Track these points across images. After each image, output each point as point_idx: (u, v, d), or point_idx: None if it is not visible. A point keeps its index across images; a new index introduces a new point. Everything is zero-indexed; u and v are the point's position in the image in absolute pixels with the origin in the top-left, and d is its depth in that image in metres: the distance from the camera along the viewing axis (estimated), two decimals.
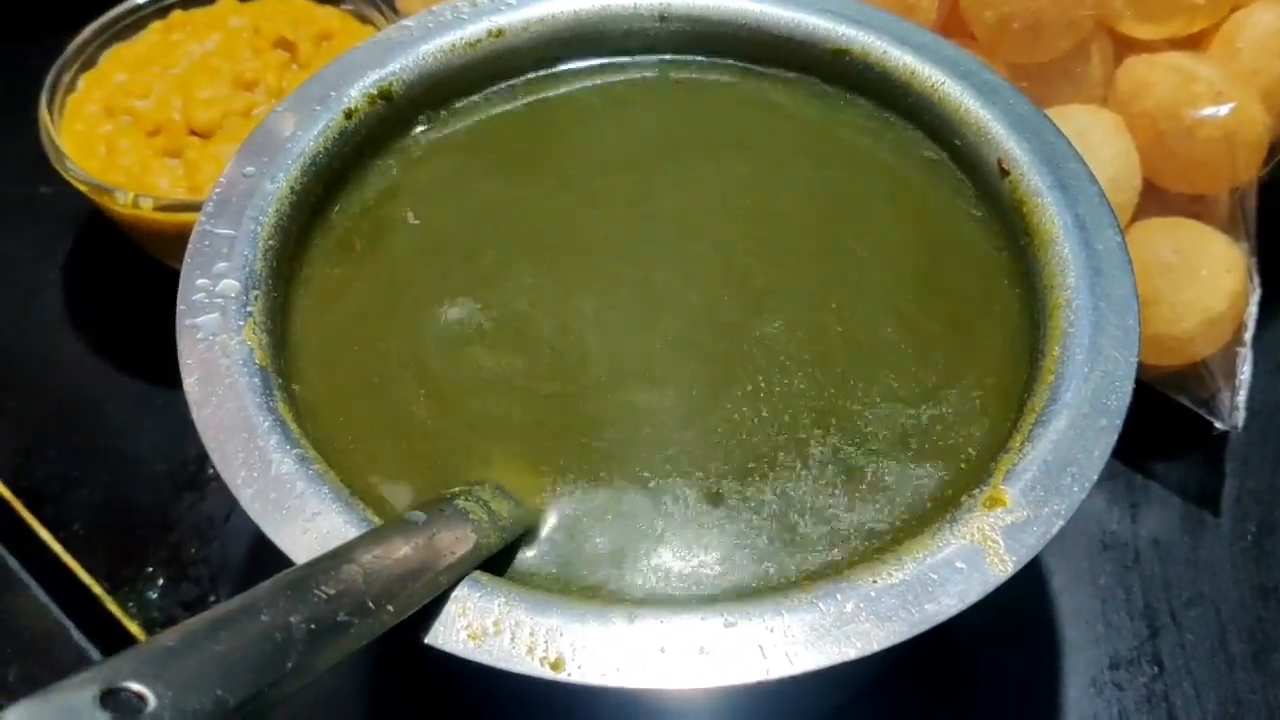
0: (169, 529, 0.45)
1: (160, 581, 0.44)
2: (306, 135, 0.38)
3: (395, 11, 0.56)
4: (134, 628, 0.43)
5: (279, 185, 0.37)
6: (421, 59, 0.41)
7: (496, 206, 0.39)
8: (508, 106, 0.42)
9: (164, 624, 0.43)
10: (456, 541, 0.29)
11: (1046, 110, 0.39)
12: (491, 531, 0.30)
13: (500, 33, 0.41)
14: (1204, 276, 0.43)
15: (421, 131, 0.41)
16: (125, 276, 0.53)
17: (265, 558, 0.43)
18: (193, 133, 0.50)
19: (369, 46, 0.41)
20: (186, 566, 0.44)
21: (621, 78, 0.42)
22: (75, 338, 0.52)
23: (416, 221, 0.39)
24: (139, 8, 0.56)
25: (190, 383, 0.32)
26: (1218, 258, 0.44)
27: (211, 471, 0.31)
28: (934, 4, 0.46)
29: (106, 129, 0.51)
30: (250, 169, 0.37)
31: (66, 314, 0.53)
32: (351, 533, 0.30)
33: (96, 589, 0.44)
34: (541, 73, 0.42)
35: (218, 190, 0.37)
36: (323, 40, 0.54)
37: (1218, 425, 0.45)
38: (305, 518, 0.30)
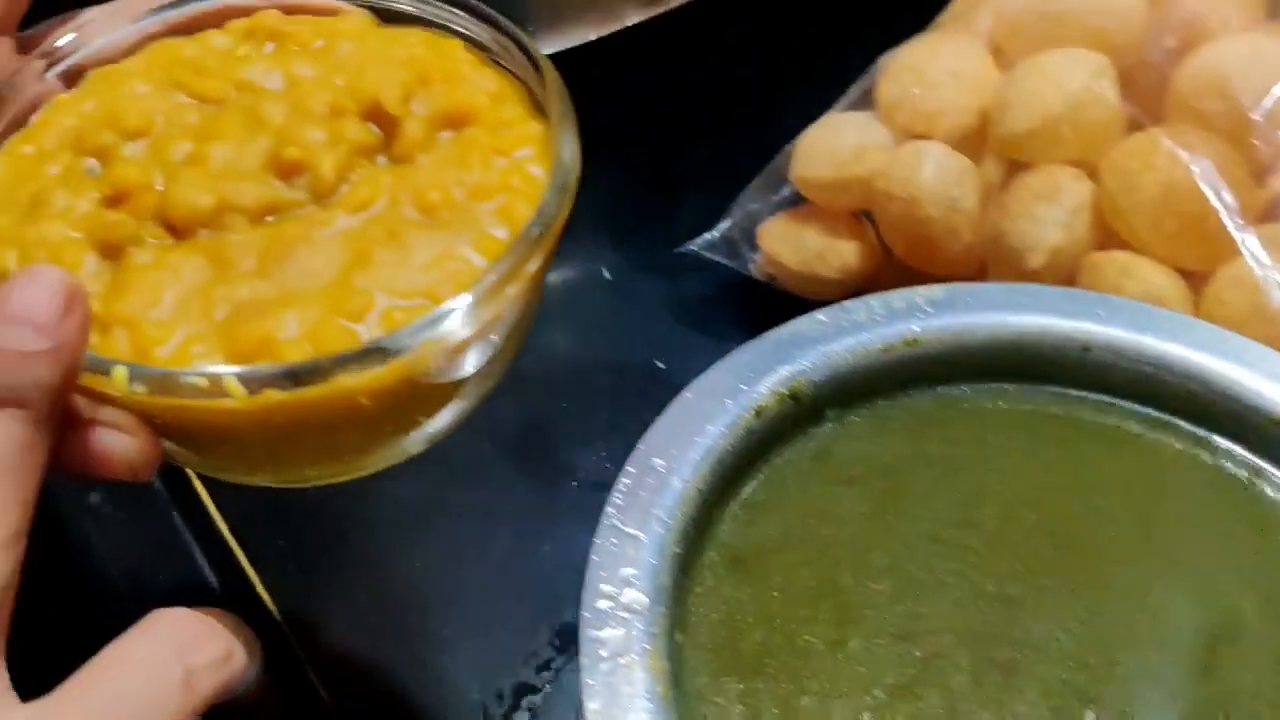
0: None
1: None
2: (715, 429, 0.37)
3: (753, 248, 0.55)
4: None
5: (687, 484, 0.36)
6: (832, 358, 0.39)
7: (901, 534, 0.37)
8: (912, 420, 0.40)
9: None
10: None
11: None
12: None
13: (915, 342, 0.40)
14: None
15: (819, 434, 0.40)
16: None
17: None
18: (165, 224, 0.33)
19: (780, 338, 0.40)
20: None
21: (1029, 407, 0.40)
22: None
23: (806, 541, 0.37)
24: None
25: (593, 709, 0.31)
26: None
27: None
28: None
29: (53, 170, 0.35)
30: (659, 461, 0.36)
31: None
32: None
33: None
34: (949, 389, 0.41)
35: (626, 480, 0.36)
36: (450, 125, 0.36)
37: None
38: None
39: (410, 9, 0.39)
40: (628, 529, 0.35)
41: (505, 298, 0.31)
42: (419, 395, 0.33)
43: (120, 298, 0.32)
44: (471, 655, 0.48)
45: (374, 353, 0.30)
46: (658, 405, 0.55)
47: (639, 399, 0.55)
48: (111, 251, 0.33)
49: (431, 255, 0.32)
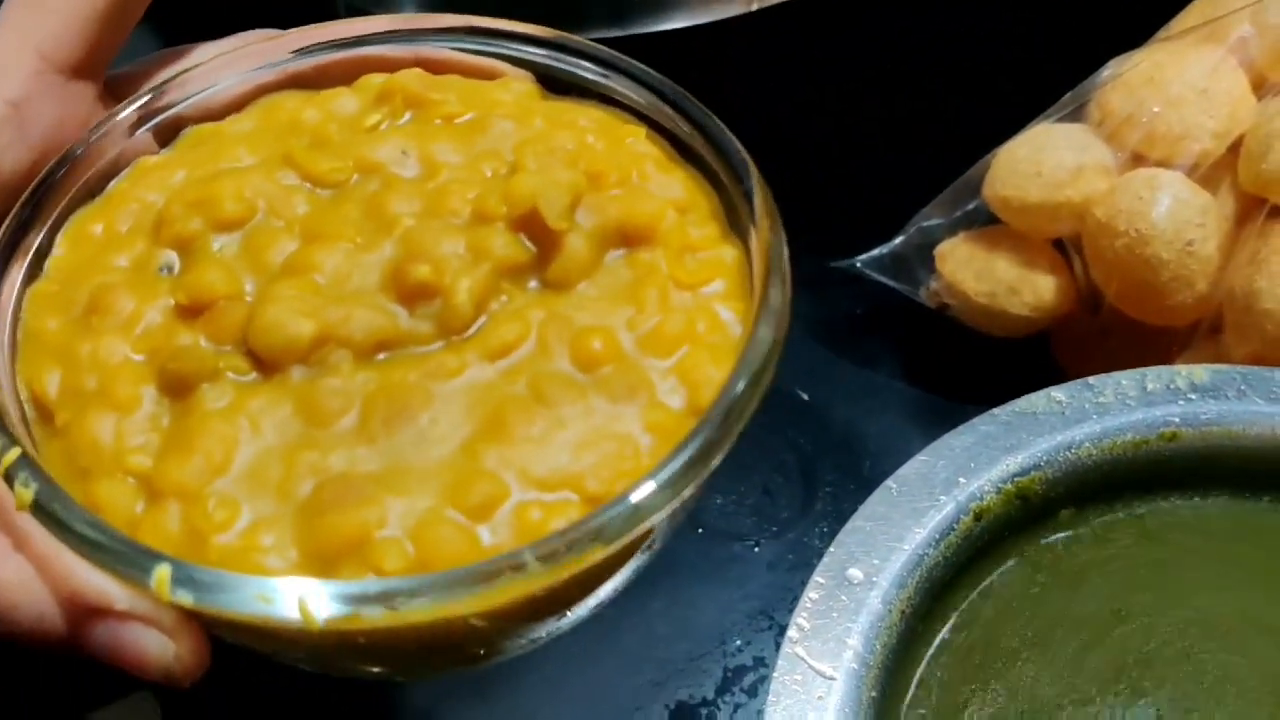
0: None
1: None
2: (925, 534, 0.30)
3: (929, 271, 0.47)
4: None
5: (890, 609, 0.28)
6: (1071, 450, 0.32)
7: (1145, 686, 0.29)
8: (1168, 534, 0.32)
9: None
10: None
11: None
12: None
13: (1174, 436, 0.32)
14: None
15: (1050, 546, 0.32)
16: None
17: None
18: (250, 352, 0.26)
19: (1008, 420, 0.32)
20: None
21: None
22: None
23: (1029, 688, 0.29)
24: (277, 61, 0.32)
25: None
26: None
27: None
28: None
29: (120, 262, 0.28)
30: (856, 572, 0.29)
31: None
32: None
33: None
34: (1215, 498, 0.33)
35: (814, 594, 0.28)
36: (622, 243, 0.28)
37: None
38: None
39: (586, 76, 0.31)
40: (815, 663, 0.27)
41: (679, 500, 0.23)
42: (549, 605, 0.25)
43: (179, 456, 0.24)
44: None
45: (496, 576, 0.22)
46: (796, 444, 0.48)
47: (776, 435, 0.48)
48: (178, 387, 0.25)
49: (586, 430, 0.25)
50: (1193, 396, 0.32)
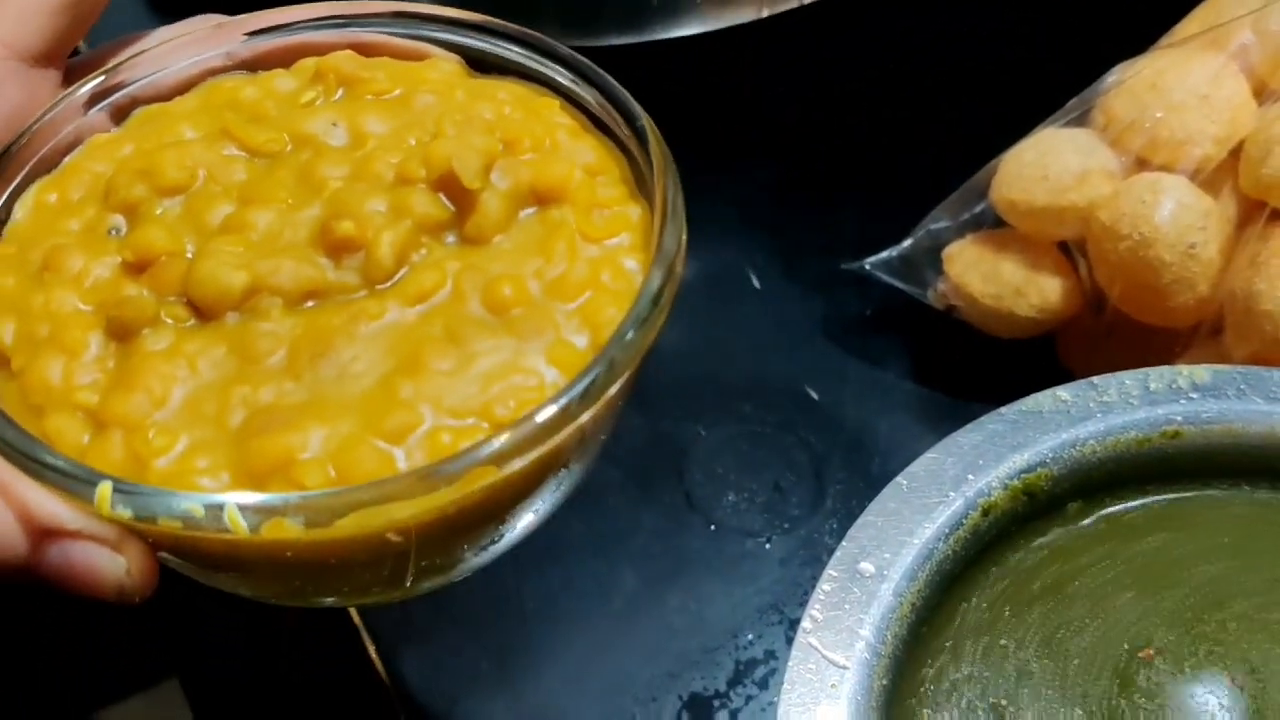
0: None
1: None
2: (934, 528, 0.31)
3: (937, 273, 0.48)
4: None
5: (901, 601, 0.29)
6: (1076, 448, 0.33)
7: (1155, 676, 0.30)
8: (1173, 529, 0.33)
9: None
10: None
11: None
12: None
13: (1176, 434, 0.33)
14: None
15: (1055, 540, 0.33)
16: None
17: None
18: (189, 302, 0.28)
19: (1015, 419, 0.33)
20: None
21: None
22: None
23: (1039, 679, 0.30)
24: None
25: None
26: None
27: None
28: None
29: (72, 226, 0.30)
30: (867, 565, 0.30)
31: None
32: None
33: None
34: (1216, 491, 0.34)
35: (827, 586, 0.29)
36: (535, 201, 0.30)
37: None
38: None
39: (508, 55, 0.34)
40: (828, 653, 0.28)
41: (576, 427, 0.26)
42: (463, 529, 0.27)
43: (123, 392, 0.27)
44: None
45: (403, 489, 0.24)
46: (807, 442, 0.49)
47: (788, 433, 0.49)
48: (122, 332, 0.28)
49: (495, 364, 0.27)
50: (1194, 396, 0.33)
